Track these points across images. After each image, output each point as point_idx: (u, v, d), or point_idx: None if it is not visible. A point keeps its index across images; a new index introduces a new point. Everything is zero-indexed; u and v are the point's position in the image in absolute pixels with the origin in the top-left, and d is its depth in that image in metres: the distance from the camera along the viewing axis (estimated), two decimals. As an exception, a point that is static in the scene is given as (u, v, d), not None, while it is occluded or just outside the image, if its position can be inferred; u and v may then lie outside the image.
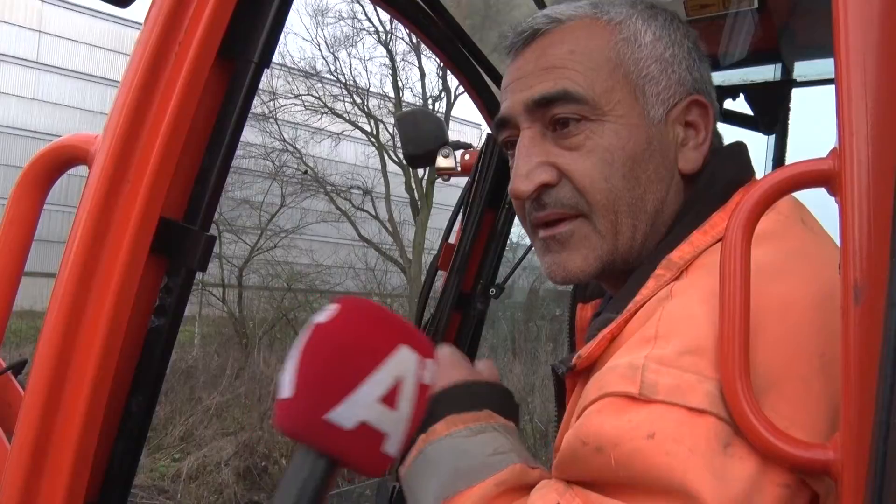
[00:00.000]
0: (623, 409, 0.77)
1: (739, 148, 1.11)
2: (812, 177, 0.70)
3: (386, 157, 16.56)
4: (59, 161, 1.10)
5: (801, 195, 0.89)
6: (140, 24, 1.04)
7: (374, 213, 16.86)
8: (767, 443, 0.69)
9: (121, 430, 1.05)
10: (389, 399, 0.73)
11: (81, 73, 18.84)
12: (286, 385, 0.74)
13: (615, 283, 1.10)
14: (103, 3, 1.12)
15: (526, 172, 1.03)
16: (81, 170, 1.07)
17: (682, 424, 0.73)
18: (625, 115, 1.02)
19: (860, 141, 0.64)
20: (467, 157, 1.93)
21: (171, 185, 1.01)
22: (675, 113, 1.05)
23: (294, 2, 1.11)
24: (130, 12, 1.04)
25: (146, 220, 0.99)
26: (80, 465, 0.98)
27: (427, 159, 1.90)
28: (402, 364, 0.75)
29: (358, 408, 0.72)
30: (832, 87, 0.68)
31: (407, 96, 17.26)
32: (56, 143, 1.10)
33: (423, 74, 16.88)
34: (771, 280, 0.81)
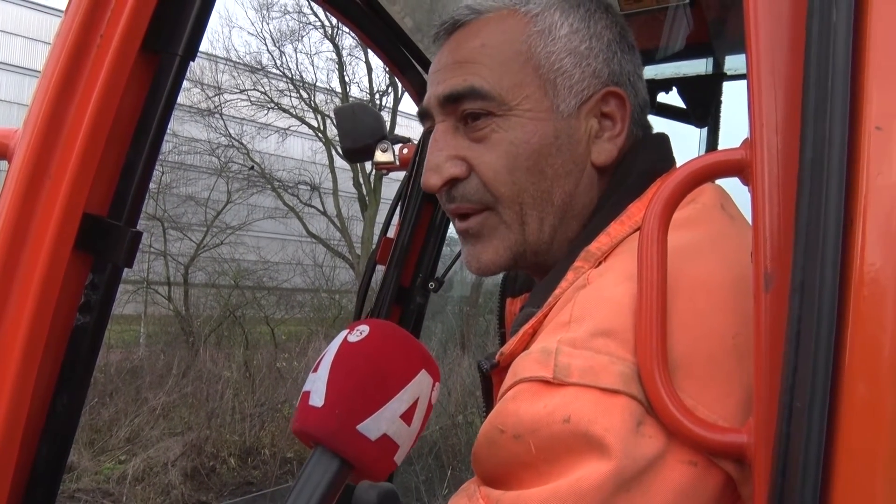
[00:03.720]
0: (538, 394, 0.78)
1: (659, 139, 1.12)
2: (725, 166, 0.72)
3: (333, 152, 16.47)
4: (-23, 156, 1.07)
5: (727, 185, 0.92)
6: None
7: (321, 208, 16.77)
8: (682, 426, 0.70)
9: (46, 431, 1.02)
10: (407, 415, 0.84)
11: (18, 66, 18.35)
12: (317, 394, 0.83)
13: (538, 276, 1.11)
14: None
15: (435, 166, 1.05)
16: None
17: (596, 406, 0.75)
18: (532, 109, 1.03)
19: (770, 131, 0.66)
20: (405, 151, 1.93)
21: (94, 181, 0.99)
22: (589, 105, 1.06)
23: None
24: (63, 3, 1.01)
25: (69, 215, 0.97)
26: (3, 466, 0.95)
27: (365, 153, 1.89)
28: (421, 386, 0.85)
29: (384, 422, 0.82)
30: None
31: (354, 91, 17.21)
32: (-29, 138, 1.07)
33: (370, 69, 16.85)
34: (685, 260, 0.82)
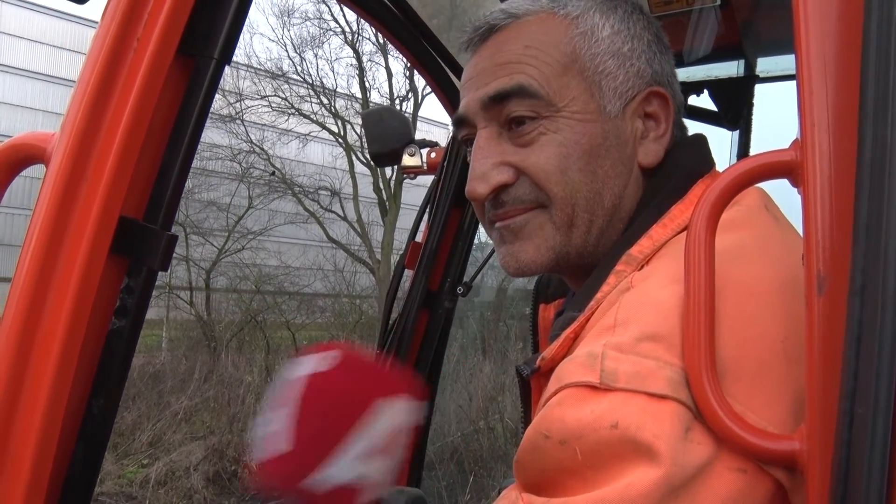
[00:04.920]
0: (584, 400, 0.77)
1: (698, 140, 1.11)
2: (775, 168, 0.71)
3: (354, 157, 16.52)
4: (15, 160, 1.07)
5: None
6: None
7: (342, 214, 16.81)
8: (731, 432, 0.69)
9: (82, 434, 1.02)
10: (382, 449, 0.76)
11: (43, 74, 18.55)
12: (278, 437, 0.74)
13: (575, 279, 1.09)
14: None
15: (482, 174, 1.03)
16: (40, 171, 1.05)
17: (644, 411, 0.73)
18: (580, 111, 1.02)
19: (821, 131, 0.65)
20: (433, 155, 1.92)
21: (130, 184, 0.99)
22: (633, 105, 1.05)
23: (256, -2, 1.09)
24: (92, 12, 1.01)
25: (105, 219, 0.97)
26: (40, 469, 0.95)
27: (392, 157, 1.88)
28: (393, 414, 0.77)
29: (345, 466, 0.74)
30: (794, 83, 0.69)
31: (374, 97, 17.25)
32: (11, 142, 1.07)
33: (390, 75, 16.88)
34: (732, 263, 0.81)
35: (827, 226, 0.63)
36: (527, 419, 1.12)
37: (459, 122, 1.10)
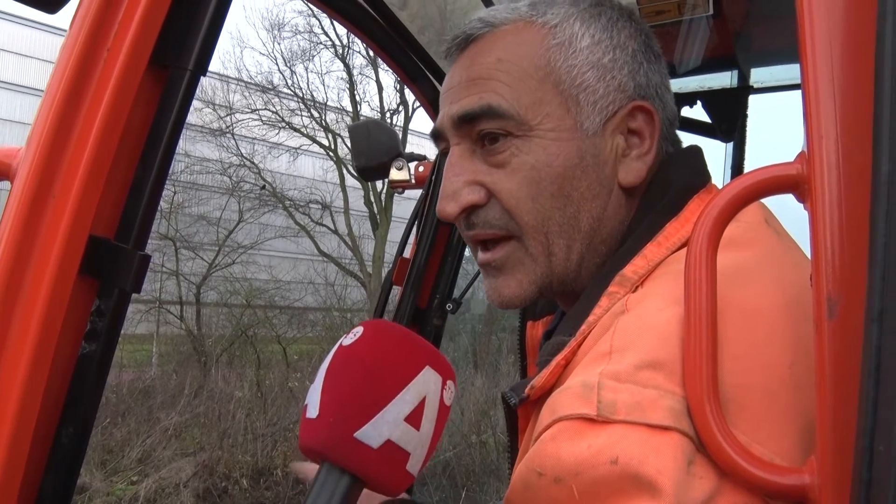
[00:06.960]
0: (580, 434, 0.72)
1: (693, 152, 1.06)
2: (779, 182, 0.66)
3: (344, 171, 16.50)
4: (-22, 177, 1.02)
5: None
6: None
7: (333, 227, 16.78)
8: (736, 465, 0.64)
9: (50, 465, 0.97)
10: (413, 418, 0.76)
11: (33, 88, 18.47)
12: (312, 405, 0.77)
13: (564, 301, 1.05)
14: (31, 8, 1.05)
15: (452, 193, 0.99)
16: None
17: (645, 444, 0.68)
18: (554, 129, 0.97)
19: (829, 143, 0.61)
20: (421, 168, 1.89)
21: (101, 201, 0.95)
22: (615, 121, 1.00)
23: (234, 8, 1.05)
24: (59, 20, 0.97)
25: (74, 238, 0.92)
26: (4, 502, 0.91)
27: (380, 172, 1.84)
28: (426, 384, 0.78)
29: (385, 426, 0.75)
30: (789, 94, 0.65)
31: (365, 110, 17.26)
32: (-28, 158, 1.03)
33: (380, 88, 16.89)
34: (733, 284, 0.76)
35: (837, 244, 0.59)
36: (513, 449, 1.07)
37: (436, 136, 1.08)
